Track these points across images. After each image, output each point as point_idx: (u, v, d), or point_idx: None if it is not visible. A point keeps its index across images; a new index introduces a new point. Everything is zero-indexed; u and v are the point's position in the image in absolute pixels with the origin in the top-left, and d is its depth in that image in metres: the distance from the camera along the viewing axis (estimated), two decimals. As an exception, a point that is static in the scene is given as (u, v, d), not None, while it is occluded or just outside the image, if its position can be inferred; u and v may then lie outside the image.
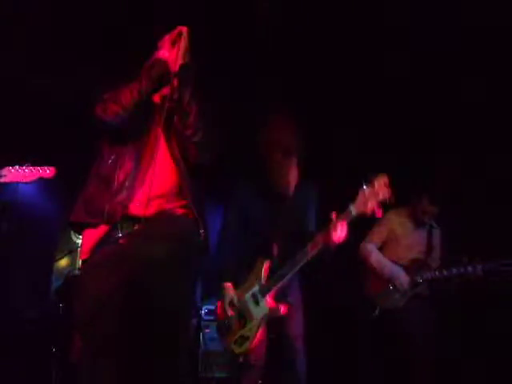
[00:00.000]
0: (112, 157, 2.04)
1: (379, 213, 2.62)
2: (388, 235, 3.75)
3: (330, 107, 4.59)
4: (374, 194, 2.60)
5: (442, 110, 4.27)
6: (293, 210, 2.96)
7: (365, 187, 2.64)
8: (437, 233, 3.80)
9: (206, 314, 4.80)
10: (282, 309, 2.76)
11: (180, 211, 2.03)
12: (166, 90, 2.11)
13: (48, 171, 2.46)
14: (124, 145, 2.05)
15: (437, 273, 3.53)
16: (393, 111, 4.44)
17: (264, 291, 2.80)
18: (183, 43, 2.06)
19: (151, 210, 1.96)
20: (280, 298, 2.82)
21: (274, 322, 2.82)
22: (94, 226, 1.98)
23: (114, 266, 1.87)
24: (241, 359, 2.78)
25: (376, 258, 3.67)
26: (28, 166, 2.46)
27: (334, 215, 2.76)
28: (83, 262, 2.01)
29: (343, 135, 4.79)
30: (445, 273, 3.50)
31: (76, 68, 3.99)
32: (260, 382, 2.80)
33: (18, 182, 2.46)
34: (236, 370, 2.85)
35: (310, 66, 4.18)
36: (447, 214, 3.75)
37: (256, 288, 2.83)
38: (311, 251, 2.73)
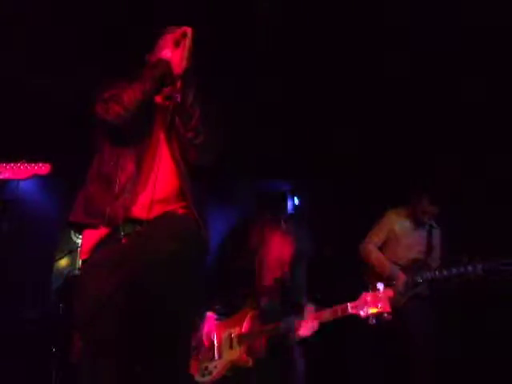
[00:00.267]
0: (112, 157, 2.01)
1: (372, 321, 2.66)
2: (388, 235, 3.75)
3: (329, 107, 4.59)
4: (375, 303, 2.64)
5: (442, 109, 4.27)
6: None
7: (368, 292, 2.69)
8: (437, 233, 3.80)
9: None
10: (251, 362, 2.89)
11: (181, 211, 2.02)
12: (168, 92, 2.10)
13: (43, 168, 2.45)
14: (125, 145, 2.02)
15: (437, 273, 3.53)
16: (393, 111, 4.44)
17: (240, 340, 2.95)
18: (188, 45, 2.02)
19: (154, 213, 1.95)
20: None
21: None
22: (95, 227, 1.96)
23: (115, 266, 1.87)
24: None
25: (376, 257, 3.68)
26: (23, 162, 2.44)
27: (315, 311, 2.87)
28: (83, 261, 2.00)
29: (343, 135, 4.79)
30: (445, 273, 3.50)
31: (76, 68, 3.98)
32: None
33: (12, 179, 2.45)
34: None
35: (310, 65, 4.17)
36: (447, 213, 3.75)
37: (234, 332, 2.98)
38: (303, 333, 2.86)
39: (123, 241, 1.92)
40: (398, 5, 3.56)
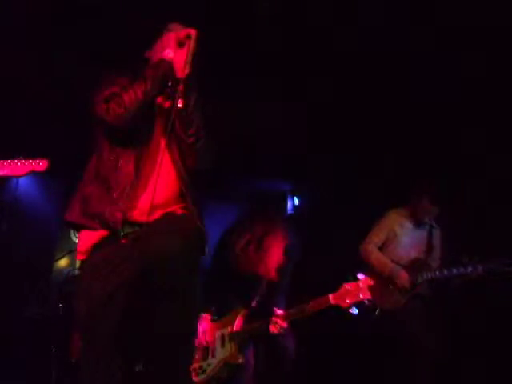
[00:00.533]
0: (111, 157, 1.99)
1: (354, 311, 2.75)
2: (388, 235, 3.75)
3: (329, 107, 4.59)
4: (355, 292, 2.73)
5: (443, 109, 4.27)
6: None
7: (349, 283, 2.78)
8: (437, 233, 3.80)
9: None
10: (240, 360, 3.04)
11: (180, 211, 2.02)
12: (170, 93, 2.07)
13: (40, 164, 2.44)
14: (125, 146, 1.99)
15: (437, 273, 3.53)
16: (393, 110, 4.44)
17: (232, 337, 3.08)
18: (191, 47, 1.97)
19: (154, 217, 1.95)
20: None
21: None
22: (92, 229, 1.94)
23: (116, 266, 1.86)
24: None
25: (376, 257, 3.68)
26: (20, 159, 2.43)
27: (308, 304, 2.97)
28: (82, 262, 1.99)
29: (343, 134, 4.79)
30: (445, 273, 3.50)
31: (76, 68, 3.98)
32: None
33: (10, 176, 2.44)
34: None
35: (310, 65, 4.17)
36: (447, 213, 3.75)
37: (226, 331, 3.11)
38: (273, 330, 3.00)
39: (123, 241, 1.92)
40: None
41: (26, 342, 4.53)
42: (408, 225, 3.75)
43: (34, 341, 4.56)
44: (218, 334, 3.16)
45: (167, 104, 2.10)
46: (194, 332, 1.90)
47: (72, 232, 5.14)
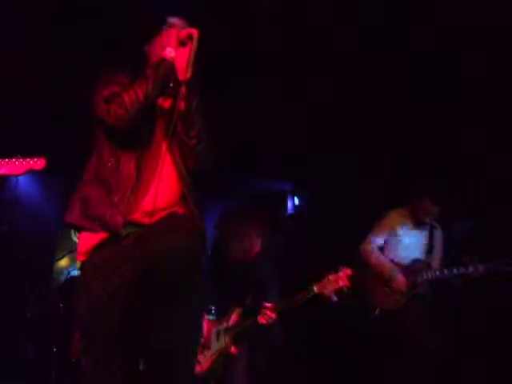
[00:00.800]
0: (112, 158, 1.95)
1: (334, 298, 3.08)
2: (389, 235, 3.74)
3: (329, 107, 4.59)
4: (336, 281, 3.07)
5: (443, 109, 4.27)
6: (260, 270, 3.61)
7: (331, 273, 3.10)
8: (438, 233, 3.79)
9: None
10: (233, 349, 3.28)
11: (181, 211, 2.00)
12: (171, 93, 2.03)
13: (38, 162, 2.43)
14: (126, 147, 1.96)
15: (438, 273, 3.53)
16: (393, 111, 4.44)
17: (227, 331, 3.32)
18: (193, 49, 1.92)
19: (155, 219, 1.93)
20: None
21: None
22: (93, 231, 1.91)
23: (118, 266, 1.86)
24: None
25: (376, 258, 3.67)
26: (18, 158, 2.42)
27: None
28: (83, 263, 1.96)
29: (343, 134, 4.79)
30: (446, 273, 3.49)
31: (76, 68, 3.98)
32: None
33: (8, 175, 2.43)
34: None
35: (310, 65, 4.17)
36: (447, 214, 3.75)
37: (222, 327, 3.35)
38: (261, 320, 3.23)
39: (125, 242, 1.90)
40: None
41: (25, 342, 4.53)
42: (409, 225, 3.74)
43: (33, 341, 4.56)
44: (213, 330, 3.38)
45: (168, 104, 2.07)
46: (197, 331, 1.89)
47: (72, 232, 5.13)
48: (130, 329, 1.87)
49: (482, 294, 3.77)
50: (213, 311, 3.48)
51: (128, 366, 1.86)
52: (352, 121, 4.65)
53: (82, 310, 1.89)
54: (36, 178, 5.30)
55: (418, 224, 3.73)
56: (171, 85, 2.01)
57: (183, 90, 1.94)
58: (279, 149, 5.10)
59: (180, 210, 2.00)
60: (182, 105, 1.97)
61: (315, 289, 3.10)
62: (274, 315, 3.19)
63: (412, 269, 3.59)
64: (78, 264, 2.05)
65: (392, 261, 3.65)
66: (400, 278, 3.55)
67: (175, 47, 1.95)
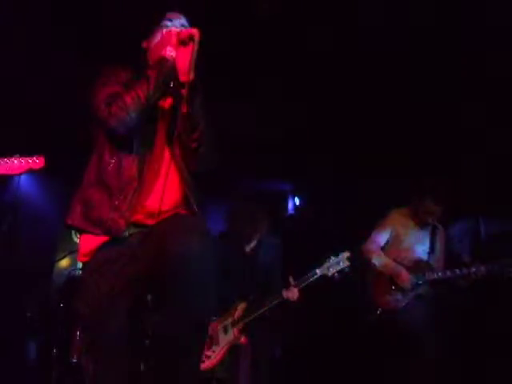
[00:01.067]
0: (113, 160, 1.92)
1: (336, 277, 3.42)
2: (391, 235, 3.72)
3: (329, 107, 4.59)
4: (337, 263, 3.43)
5: (443, 109, 4.27)
6: (262, 264, 3.78)
7: (332, 257, 3.44)
8: (440, 233, 3.78)
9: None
10: (243, 339, 3.47)
11: (183, 212, 1.99)
12: (172, 96, 2.02)
13: (37, 161, 2.42)
14: (127, 149, 1.93)
15: (440, 273, 3.52)
16: (394, 109, 4.44)
17: (234, 324, 3.49)
18: (195, 50, 1.88)
19: (159, 220, 1.91)
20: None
21: None
22: (95, 234, 1.89)
23: (124, 265, 1.84)
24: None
25: (378, 257, 3.66)
26: (17, 157, 2.42)
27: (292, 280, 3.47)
28: (86, 263, 1.94)
29: (343, 134, 4.79)
30: (448, 273, 3.48)
31: (76, 68, 3.98)
32: None
33: (7, 174, 2.43)
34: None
35: (310, 65, 4.18)
36: (448, 214, 3.74)
37: (228, 321, 3.50)
38: (271, 302, 3.45)
39: (130, 240, 1.88)
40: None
41: (26, 342, 4.53)
42: (411, 225, 3.72)
43: (34, 341, 4.56)
44: (219, 326, 3.49)
45: (169, 106, 2.05)
46: (204, 332, 1.84)
47: (73, 232, 5.14)
48: (136, 327, 1.87)
49: (484, 294, 3.77)
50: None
51: (131, 366, 1.86)
52: (352, 121, 4.66)
53: (85, 310, 1.88)
54: (37, 178, 5.30)
55: (420, 224, 3.70)
56: (172, 85, 1.98)
57: (185, 92, 1.90)
58: (279, 149, 5.10)
59: (183, 211, 1.99)
60: (184, 107, 1.94)
61: (317, 271, 3.41)
62: (298, 291, 3.41)
63: (414, 269, 3.58)
64: (81, 264, 2.03)
65: (394, 261, 3.64)
66: (404, 275, 3.53)
67: (175, 46, 1.92)
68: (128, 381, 1.81)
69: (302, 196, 6.38)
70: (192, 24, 2.07)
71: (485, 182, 4.21)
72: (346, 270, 3.41)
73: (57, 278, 5.53)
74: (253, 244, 3.77)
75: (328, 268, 3.41)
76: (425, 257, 3.66)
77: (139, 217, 1.90)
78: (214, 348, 3.45)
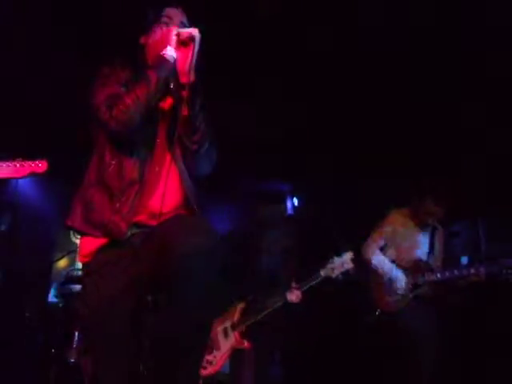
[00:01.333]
0: (113, 161, 1.90)
1: (340, 276, 3.38)
2: (391, 236, 3.72)
3: (329, 107, 4.59)
4: (341, 264, 3.37)
5: (444, 110, 4.27)
6: (266, 264, 3.71)
7: (335, 258, 3.39)
8: (440, 234, 3.77)
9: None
10: (246, 343, 3.40)
11: (184, 212, 1.99)
12: (172, 96, 2.00)
13: (40, 165, 2.42)
14: (128, 151, 1.91)
15: (439, 274, 3.51)
16: (394, 109, 4.44)
17: (234, 327, 3.41)
18: (195, 51, 1.86)
19: (161, 220, 1.89)
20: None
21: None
22: (95, 237, 1.87)
23: (128, 265, 1.83)
24: (201, 381, 3.26)
25: (377, 259, 3.65)
26: (19, 160, 2.41)
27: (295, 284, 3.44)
28: (86, 264, 1.92)
29: (343, 134, 4.78)
30: (447, 274, 3.48)
31: (76, 68, 3.98)
32: None
33: (9, 178, 2.42)
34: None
35: (310, 65, 4.17)
36: (448, 214, 3.74)
37: (228, 324, 3.42)
38: (274, 305, 3.40)
39: (132, 240, 1.87)
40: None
41: (25, 343, 4.53)
42: (410, 225, 3.71)
43: (33, 341, 4.56)
44: (219, 329, 3.42)
45: (168, 106, 2.03)
46: (206, 333, 1.82)
47: (72, 233, 5.14)
48: (138, 328, 1.87)
49: (483, 295, 3.77)
50: None
51: (131, 366, 1.85)
52: (352, 121, 4.65)
53: (85, 310, 1.87)
54: (36, 179, 5.29)
55: (419, 224, 3.70)
56: (172, 86, 1.97)
57: (186, 93, 1.88)
58: (279, 149, 5.10)
59: (184, 212, 1.98)
60: (184, 109, 1.92)
61: (322, 273, 3.36)
62: (300, 294, 3.36)
63: (413, 270, 3.58)
64: (81, 265, 2.02)
65: (393, 261, 3.64)
66: (402, 278, 3.54)
67: (175, 46, 1.90)
68: (128, 381, 1.81)
69: (301, 196, 6.37)
70: (192, 24, 2.05)
71: (485, 181, 4.21)
72: (351, 271, 3.36)
73: (56, 277, 5.53)
74: (257, 243, 3.74)
75: (332, 269, 3.34)
76: (424, 257, 3.66)
77: (142, 217, 1.88)
78: (215, 353, 3.38)
